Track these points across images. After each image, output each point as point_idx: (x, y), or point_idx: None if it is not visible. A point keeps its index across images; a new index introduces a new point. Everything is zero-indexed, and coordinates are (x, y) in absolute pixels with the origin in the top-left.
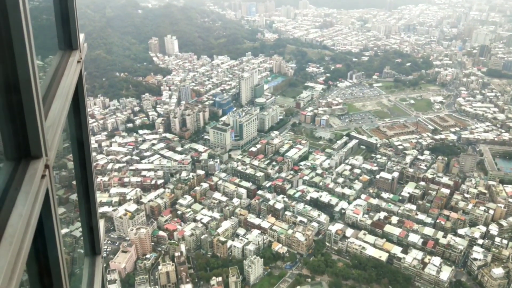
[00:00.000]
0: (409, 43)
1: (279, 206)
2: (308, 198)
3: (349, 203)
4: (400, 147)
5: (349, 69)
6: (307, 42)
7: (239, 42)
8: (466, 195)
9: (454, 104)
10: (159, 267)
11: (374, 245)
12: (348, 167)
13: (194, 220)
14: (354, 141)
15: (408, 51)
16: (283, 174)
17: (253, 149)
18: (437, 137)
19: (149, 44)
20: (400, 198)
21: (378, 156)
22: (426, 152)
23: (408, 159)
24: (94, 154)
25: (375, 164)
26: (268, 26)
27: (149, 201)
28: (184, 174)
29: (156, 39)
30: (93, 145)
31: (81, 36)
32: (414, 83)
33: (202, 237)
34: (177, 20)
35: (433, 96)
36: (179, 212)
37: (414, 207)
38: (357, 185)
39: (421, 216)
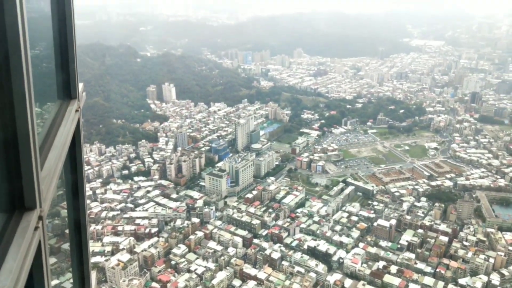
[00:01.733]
0: (402, 90)
1: (276, 255)
2: (305, 247)
3: (347, 251)
4: (397, 193)
5: (344, 116)
6: (301, 89)
7: (235, 89)
8: (465, 242)
9: (448, 150)
10: None
11: None
12: (345, 214)
13: (188, 271)
14: (350, 188)
15: (401, 98)
16: (279, 222)
17: (249, 195)
18: (433, 183)
19: (147, 91)
20: (399, 246)
21: (375, 202)
22: (423, 198)
23: (405, 205)
24: (88, 201)
25: (372, 211)
26: (264, 74)
27: (142, 251)
28: (178, 222)
29: (154, 87)
30: (88, 192)
31: (80, 86)
32: (408, 129)
33: None
34: (175, 68)
35: (428, 143)
36: (173, 262)
37: (413, 255)
38: (355, 233)
39: (421, 265)
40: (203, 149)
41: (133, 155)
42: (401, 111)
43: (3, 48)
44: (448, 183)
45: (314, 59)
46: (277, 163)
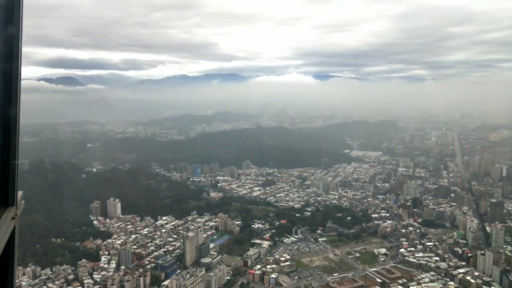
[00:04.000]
0: (347, 198)
1: None
2: None
3: None
4: None
5: (294, 225)
6: (251, 199)
7: (184, 201)
8: None
9: (397, 256)
10: None
11: None
12: None
13: None
14: None
15: (347, 206)
16: None
17: None
18: None
19: (90, 207)
20: None
21: None
22: None
23: None
24: None
25: None
26: (213, 186)
27: None
28: None
29: (98, 202)
30: None
31: (19, 193)
32: (356, 236)
33: None
34: (121, 183)
35: (377, 248)
36: None
37: None
38: None
39: None
40: (148, 266)
41: (71, 276)
42: (348, 218)
43: None
44: None
45: (261, 170)
46: (228, 277)
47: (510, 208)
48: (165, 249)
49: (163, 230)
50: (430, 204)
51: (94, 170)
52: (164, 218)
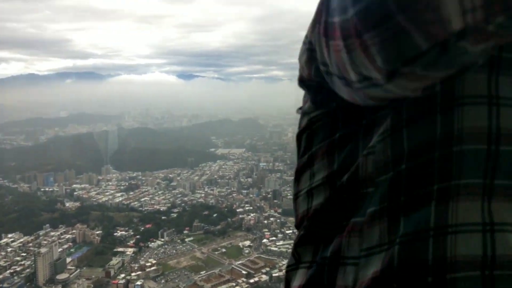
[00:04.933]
0: (213, 196)
1: None
2: None
3: None
4: None
5: (160, 228)
6: (113, 206)
7: (34, 215)
8: None
9: (261, 246)
10: None
11: None
12: None
13: None
14: None
15: (213, 203)
16: None
17: None
18: (252, 281)
19: None
20: None
21: None
22: None
23: None
24: None
25: None
26: (69, 195)
27: None
28: None
29: None
30: None
31: None
32: (223, 232)
33: None
34: None
35: (242, 242)
36: None
37: None
38: None
39: None
40: None
41: None
42: (215, 215)
43: None
44: (265, 278)
45: (124, 174)
46: None
47: None
48: (11, 270)
49: (9, 249)
50: (288, 194)
51: None
52: (9, 235)
